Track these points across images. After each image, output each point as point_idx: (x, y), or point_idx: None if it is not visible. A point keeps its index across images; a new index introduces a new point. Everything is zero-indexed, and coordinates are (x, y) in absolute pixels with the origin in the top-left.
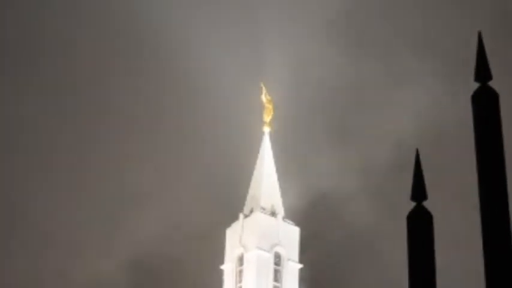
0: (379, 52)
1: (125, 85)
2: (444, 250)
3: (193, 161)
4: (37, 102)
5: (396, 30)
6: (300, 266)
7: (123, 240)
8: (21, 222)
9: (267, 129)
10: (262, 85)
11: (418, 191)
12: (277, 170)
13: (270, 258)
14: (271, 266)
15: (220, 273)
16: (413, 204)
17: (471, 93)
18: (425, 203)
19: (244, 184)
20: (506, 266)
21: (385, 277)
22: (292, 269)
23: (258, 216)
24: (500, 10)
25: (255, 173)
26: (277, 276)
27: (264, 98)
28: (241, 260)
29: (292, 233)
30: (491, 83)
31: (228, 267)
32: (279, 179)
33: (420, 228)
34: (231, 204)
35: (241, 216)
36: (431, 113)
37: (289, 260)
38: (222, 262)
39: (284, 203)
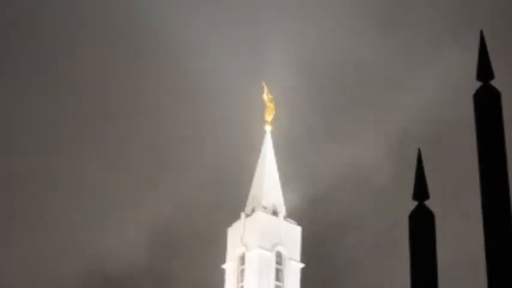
0: (380, 51)
1: (125, 85)
2: (446, 249)
3: (195, 161)
4: (37, 102)
5: (397, 29)
6: (302, 265)
7: (123, 240)
8: (21, 222)
9: (268, 128)
10: (263, 84)
11: (420, 191)
12: (279, 169)
13: (271, 257)
14: (273, 266)
15: (222, 272)
16: (415, 203)
17: (473, 92)
18: (427, 202)
19: (245, 183)
20: (508, 265)
21: (387, 276)
22: (294, 268)
23: (259, 216)
24: (502, 9)
25: (257, 172)
26: (278, 275)
27: (266, 97)
28: (242, 259)
29: (293, 232)
30: (493, 82)
31: (229, 267)
32: (281, 178)
33: (422, 227)
34: (232, 203)
35: (242, 215)
36: (432, 112)
37: (290, 259)
38: (223, 261)
39: (286, 202)
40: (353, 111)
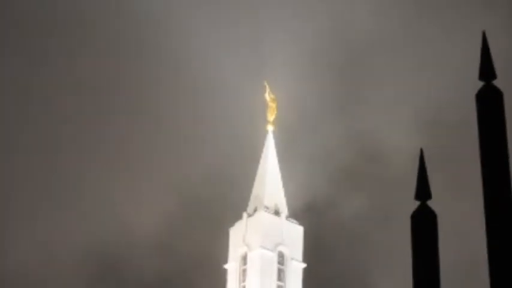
0: (380, 52)
1: (125, 85)
2: (448, 249)
3: (196, 160)
4: (37, 102)
5: (397, 30)
6: (304, 265)
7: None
8: (21, 222)
9: (270, 128)
10: (265, 84)
11: (422, 190)
12: (281, 169)
13: (273, 257)
14: (275, 265)
15: (224, 272)
16: (417, 203)
17: (475, 91)
18: (429, 202)
19: (247, 183)
20: (511, 265)
21: (388, 276)
22: (296, 268)
23: (261, 216)
24: (504, 9)
25: (259, 172)
26: (280, 275)
27: (268, 96)
28: (244, 259)
29: (295, 232)
30: (495, 82)
31: (231, 267)
32: (283, 178)
33: (424, 227)
34: (234, 203)
35: (244, 215)
36: (434, 111)
37: (292, 259)
38: (225, 261)
39: (288, 202)
40: (355, 110)
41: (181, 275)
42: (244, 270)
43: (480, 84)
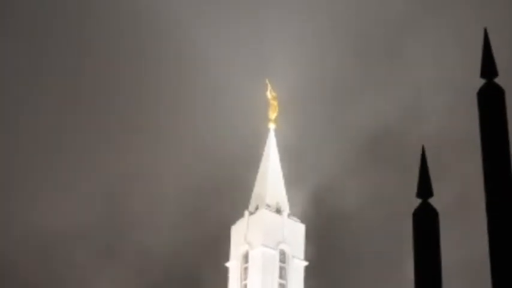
0: (381, 50)
1: (127, 85)
2: (450, 246)
3: (197, 159)
4: (38, 103)
5: (397, 30)
6: (305, 263)
7: (126, 240)
8: (21, 222)
9: (272, 126)
10: (267, 82)
11: (424, 188)
12: (283, 167)
13: (275, 255)
14: (277, 263)
15: (226, 270)
16: (419, 201)
17: (477, 89)
18: (431, 200)
19: (249, 181)
20: None
21: (390, 274)
22: (298, 266)
23: (263, 214)
24: (506, 7)
25: (260, 170)
26: (282, 273)
27: (269, 94)
28: (246, 257)
29: (297, 230)
30: (497, 80)
31: (233, 265)
32: (284, 176)
33: (426, 224)
34: (236, 201)
35: (246, 213)
36: (435, 110)
37: (294, 257)
38: (227, 259)
39: (289, 200)
40: (357, 108)
41: (183, 273)
42: (245, 268)
43: (482, 81)
